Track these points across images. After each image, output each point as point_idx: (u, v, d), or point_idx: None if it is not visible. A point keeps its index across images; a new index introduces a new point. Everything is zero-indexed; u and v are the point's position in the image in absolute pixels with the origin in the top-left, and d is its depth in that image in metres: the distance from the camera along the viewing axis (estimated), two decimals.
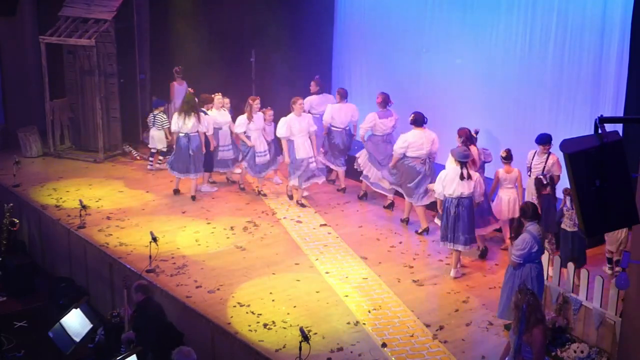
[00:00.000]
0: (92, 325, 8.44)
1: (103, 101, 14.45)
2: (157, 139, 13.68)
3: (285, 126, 11.68)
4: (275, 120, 12.09)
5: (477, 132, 10.61)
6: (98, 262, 10.67)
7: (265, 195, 12.47)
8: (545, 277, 8.23)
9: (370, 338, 8.31)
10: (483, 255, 10.21)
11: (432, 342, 8.20)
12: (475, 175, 9.71)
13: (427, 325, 8.52)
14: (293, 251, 10.47)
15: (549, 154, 9.85)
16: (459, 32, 12.35)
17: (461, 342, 8.24)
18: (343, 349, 8.08)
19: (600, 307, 7.80)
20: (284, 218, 11.58)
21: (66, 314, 8.46)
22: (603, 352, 7.70)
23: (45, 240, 12.05)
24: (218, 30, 14.95)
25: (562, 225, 9.13)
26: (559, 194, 9.54)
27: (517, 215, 10.01)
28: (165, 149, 13.63)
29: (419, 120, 10.92)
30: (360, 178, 12.20)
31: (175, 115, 12.23)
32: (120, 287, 9.50)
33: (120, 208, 11.99)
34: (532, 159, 10.02)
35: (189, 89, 12.56)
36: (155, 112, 13.77)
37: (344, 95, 12.42)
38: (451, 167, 9.70)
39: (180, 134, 12.12)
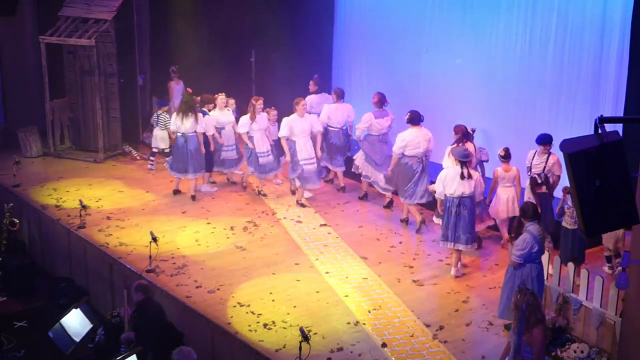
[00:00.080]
0: (92, 325, 8.43)
1: (103, 101, 14.46)
2: (159, 138, 13.70)
3: (287, 127, 11.69)
4: (279, 121, 12.09)
5: (473, 131, 10.65)
6: (98, 262, 10.67)
7: (265, 195, 12.47)
8: (545, 277, 8.23)
9: (370, 338, 8.30)
10: (479, 247, 10.25)
11: (432, 342, 8.20)
12: (476, 174, 9.74)
13: (427, 325, 8.53)
14: (293, 251, 10.47)
15: (549, 154, 9.86)
16: (459, 32, 12.36)
17: (461, 342, 8.24)
18: (343, 349, 8.08)
19: (600, 307, 7.80)
20: (284, 218, 11.58)
21: (66, 314, 8.45)
22: (603, 352, 7.70)
23: (45, 240, 12.05)
24: (218, 30, 14.96)
25: (563, 223, 9.15)
26: (560, 193, 9.55)
27: (515, 213, 10.10)
28: (168, 149, 13.64)
29: (415, 119, 10.95)
30: (361, 178, 12.22)
31: (174, 115, 12.27)
32: (120, 287, 9.50)
33: (120, 208, 11.99)
34: (532, 159, 10.03)
35: (188, 88, 12.55)
36: (159, 111, 13.81)
37: (340, 95, 12.44)
38: (452, 167, 9.73)
39: (178, 134, 12.15)
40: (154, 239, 9.68)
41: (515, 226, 8.14)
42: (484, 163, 10.73)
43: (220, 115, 12.53)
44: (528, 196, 9.74)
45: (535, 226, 7.93)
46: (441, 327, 8.48)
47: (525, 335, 6.46)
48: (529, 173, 9.99)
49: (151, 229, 10.45)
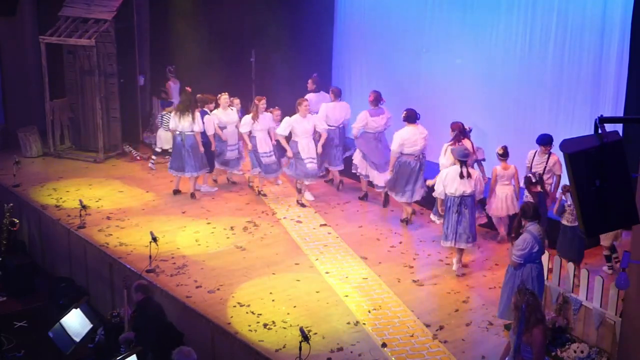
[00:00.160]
0: (92, 325, 8.43)
1: (103, 101, 14.46)
2: (163, 139, 13.71)
3: (288, 126, 11.70)
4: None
5: (470, 130, 10.67)
6: (98, 262, 10.67)
7: (265, 195, 12.47)
8: (545, 277, 8.23)
9: (370, 338, 8.30)
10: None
11: (432, 342, 8.20)
12: (475, 173, 9.77)
13: (427, 325, 8.52)
14: (293, 251, 10.47)
15: (550, 154, 9.89)
16: (459, 32, 12.35)
17: (461, 342, 8.24)
18: (343, 349, 8.08)
19: (600, 307, 7.80)
20: (284, 218, 11.58)
21: (66, 314, 8.45)
22: (603, 352, 7.70)
23: (45, 240, 12.05)
24: (218, 30, 14.95)
25: (563, 221, 9.16)
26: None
27: (513, 211, 10.18)
28: (172, 150, 13.64)
29: (411, 117, 11.00)
30: (360, 177, 12.23)
31: (172, 114, 12.33)
32: (120, 287, 9.50)
33: (120, 208, 11.99)
34: (533, 159, 10.05)
35: (187, 88, 12.55)
36: (164, 112, 13.82)
37: (337, 94, 12.50)
38: (452, 167, 9.75)
39: (176, 133, 12.18)
40: (154, 239, 9.68)
41: (515, 226, 8.14)
42: (482, 162, 10.73)
43: (222, 115, 12.53)
44: (526, 195, 9.77)
45: (536, 226, 7.93)
46: (441, 327, 8.47)
47: (525, 335, 6.46)
48: (529, 173, 9.99)
49: (151, 229, 10.45)
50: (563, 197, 9.20)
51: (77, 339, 8.27)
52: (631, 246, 7.20)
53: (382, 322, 8.62)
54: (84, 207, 11.21)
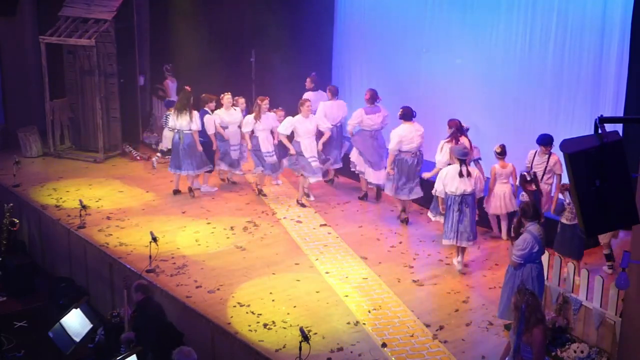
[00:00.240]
0: (92, 325, 8.43)
1: (103, 101, 14.46)
2: (169, 138, 13.69)
3: (290, 126, 11.70)
4: None
5: (467, 129, 10.68)
6: (98, 262, 10.67)
7: (265, 195, 12.47)
8: (545, 277, 8.23)
9: (370, 338, 8.30)
10: None
11: (432, 342, 8.20)
12: (475, 171, 9.79)
13: (427, 325, 8.52)
14: (293, 251, 10.46)
15: (550, 154, 9.90)
16: (459, 32, 12.35)
17: (461, 342, 8.23)
18: (343, 349, 8.07)
19: (600, 307, 7.80)
20: (284, 218, 11.58)
21: (66, 314, 8.45)
22: (603, 352, 7.70)
23: (45, 240, 12.05)
24: (218, 30, 14.95)
25: (562, 220, 9.16)
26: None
27: (511, 209, 10.21)
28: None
29: (407, 115, 11.05)
30: (359, 175, 12.26)
31: (171, 113, 12.39)
32: (120, 287, 9.50)
33: (120, 208, 11.99)
34: (533, 159, 10.06)
35: (186, 87, 12.55)
36: (168, 112, 13.80)
37: (335, 93, 12.55)
38: (451, 165, 9.79)
39: (175, 131, 12.22)
40: (154, 239, 9.68)
41: (515, 226, 8.15)
42: (479, 161, 10.74)
43: (225, 115, 12.52)
44: (522, 193, 9.83)
45: (536, 226, 7.93)
46: (441, 327, 8.47)
47: (525, 335, 6.46)
48: (524, 171, 10.02)
49: (151, 229, 10.45)
50: (560, 196, 9.22)
51: (77, 339, 8.27)
52: (631, 246, 7.20)
53: (382, 322, 8.62)
54: (84, 207, 11.21)
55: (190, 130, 12.12)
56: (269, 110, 12.22)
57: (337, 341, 8.20)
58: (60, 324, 8.37)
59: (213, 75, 14.22)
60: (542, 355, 6.55)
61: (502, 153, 10.31)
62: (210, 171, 12.67)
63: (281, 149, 12.15)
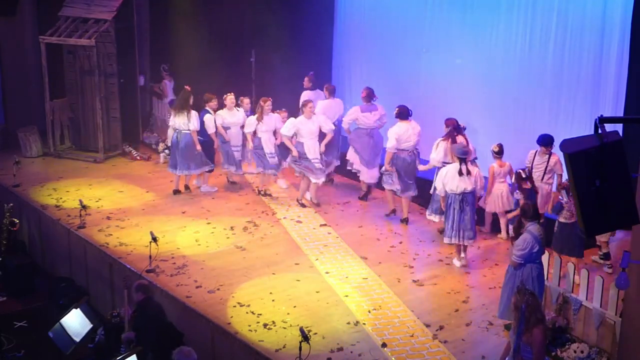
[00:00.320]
0: (92, 325, 8.43)
1: (103, 101, 14.45)
2: (171, 136, 13.73)
3: (293, 127, 11.69)
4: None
5: (464, 129, 10.70)
6: (98, 262, 10.67)
7: (270, 195, 12.46)
8: (545, 277, 8.23)
9: (370, 338, 8.30)
10: None
11: (432, 342, 8.20)
12: (475, 170, 9.81)
13: (427, 325, 8.52)
14: (293, 251, 10.46)
15: (551, 154, 9.91)
16: (459, 32, 12.36)
17: (461, 342, 8.23)
18: (343, 349, 8.07)
19: (600, 307, 7.81)
20: (284, 218, 11.58)
21: (66, 314, 8.44)
22: (603, 352, 7.70)
23: (45, 240, 12.05)
24: (218, 30, 14.95)
25: (560, 218, 9.16)
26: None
27: (508, 207, 10.25)
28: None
29: (404, 113, 11.09)
30: (358, 175, 12.27)
31: (171, 112, 12.43)
32: (120, 287, 9.50)
33: (120, 208, 11.99)
34: (533, 159, 10.07)
35: (186, 86, 12.54)
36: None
37: (332, 92, 12.60)
38: (451, 164, 9.85)
39: (173, 130, 12.23)
40: (154, 239, 9.68)
41: (515, 226, 8.15)
42: (475, 160, 10.76)
43: (227, 115, 12.51)
44: (516, 192, 9.86)
45: (536, 226, 7.94)
46: (441, 327, 8.47)
47: (525, 335, 6.46)
48: (520, 169, 10.05)
49: (151, 229, 10.45)
50: (559, 196, 9.22)
51: (77, 339, 8.27)
52: (631, 246, 7.20)
53: (382, 322, 8.62)
54: (84, 207, 11.20)
55: (188, 130, 12.13)
56: (273, 111, 12.21)
57: (337, 341, 8.20)
58: (60, 324, 8.36)
59: (213, 75, 14.22)
60: (542, 355, 6.55)
61: (499, 152, 10.35)
62: (210, 171, 12.68)
63: (283, 151, 12.15)
